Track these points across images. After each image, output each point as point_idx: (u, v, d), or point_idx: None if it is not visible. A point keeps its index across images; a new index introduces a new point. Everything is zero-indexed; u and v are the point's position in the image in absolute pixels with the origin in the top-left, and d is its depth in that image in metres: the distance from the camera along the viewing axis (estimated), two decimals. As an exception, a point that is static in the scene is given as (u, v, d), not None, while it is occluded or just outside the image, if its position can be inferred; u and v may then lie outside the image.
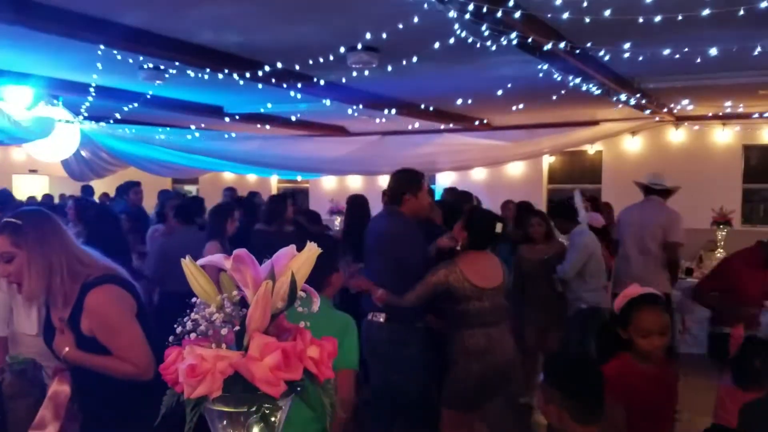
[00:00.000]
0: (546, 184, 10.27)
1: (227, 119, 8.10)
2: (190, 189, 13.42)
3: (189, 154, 7.91)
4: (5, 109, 5.81)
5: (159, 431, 1.36)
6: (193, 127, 7.79)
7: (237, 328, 1.22)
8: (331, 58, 4.75)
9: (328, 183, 12.00)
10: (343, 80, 6.00)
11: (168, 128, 7.71)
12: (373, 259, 3.81)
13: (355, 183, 11.48)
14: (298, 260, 1.30)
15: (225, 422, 1.23)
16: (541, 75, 5.58)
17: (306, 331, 1.27)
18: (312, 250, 1.30)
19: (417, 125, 8.94)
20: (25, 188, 12.36)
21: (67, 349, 2.21)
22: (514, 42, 4.15)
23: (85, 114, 7.06)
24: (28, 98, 6.16)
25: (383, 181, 11.70)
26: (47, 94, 6.54)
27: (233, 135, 7.99)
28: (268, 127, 8.51)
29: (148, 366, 2.20)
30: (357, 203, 5.37)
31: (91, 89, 6.32)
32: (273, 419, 1.21)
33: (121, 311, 2.25)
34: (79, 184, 9.85)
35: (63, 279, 2.20)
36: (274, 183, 13.01)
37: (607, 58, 5.00)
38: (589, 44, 4.45)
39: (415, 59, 4.75)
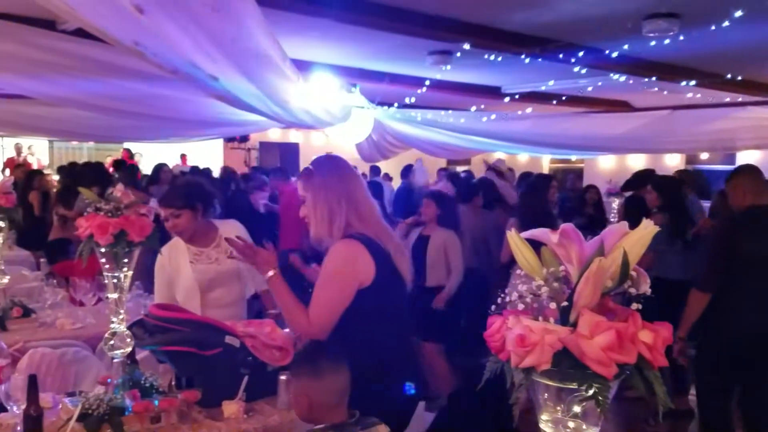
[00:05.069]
0: None
1: (506, 99, 8.13)
2: (461, 169, 13.88)
3: (464, 134, 8.11)
4: (315, 96, 6.58)
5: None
6: (473, 108, 7.98)
7: (565, 303, 1.21)
8: (629, 25, 4.43)
9: (606, 162, 11.39)
10: (638, 51, 5.57)
11: (449, 111, 8.00)
12: None
13: (636, 162, 10.70)
14: (631, 238, 1.23)
15: (546, 395, 1.23)
16: None
17: (636, 314, 1.21)
18: (648, 227, 1.22)
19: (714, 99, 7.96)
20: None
21: (271, 273, 2.24)
22: None
23: (378, 100, 7.67)
24: (332, 86, 6.90)
25: (670, 159, 10.76)
26: (346, 83, 7.25)
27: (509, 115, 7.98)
28: (554, 103, 8.33)
29: (317, 329, 2.15)
30: (673, 185, 4.87)
31: (384, 77, 6.85)
32: (601, 398, 1.18)
33: (337, 267, 2.20)
34: (367, 165, 10.79)
35: (340, 226, 2.23)
36: (545, 162, 12.78)
37: None
38: None
39: (725, 24, 4.20)
